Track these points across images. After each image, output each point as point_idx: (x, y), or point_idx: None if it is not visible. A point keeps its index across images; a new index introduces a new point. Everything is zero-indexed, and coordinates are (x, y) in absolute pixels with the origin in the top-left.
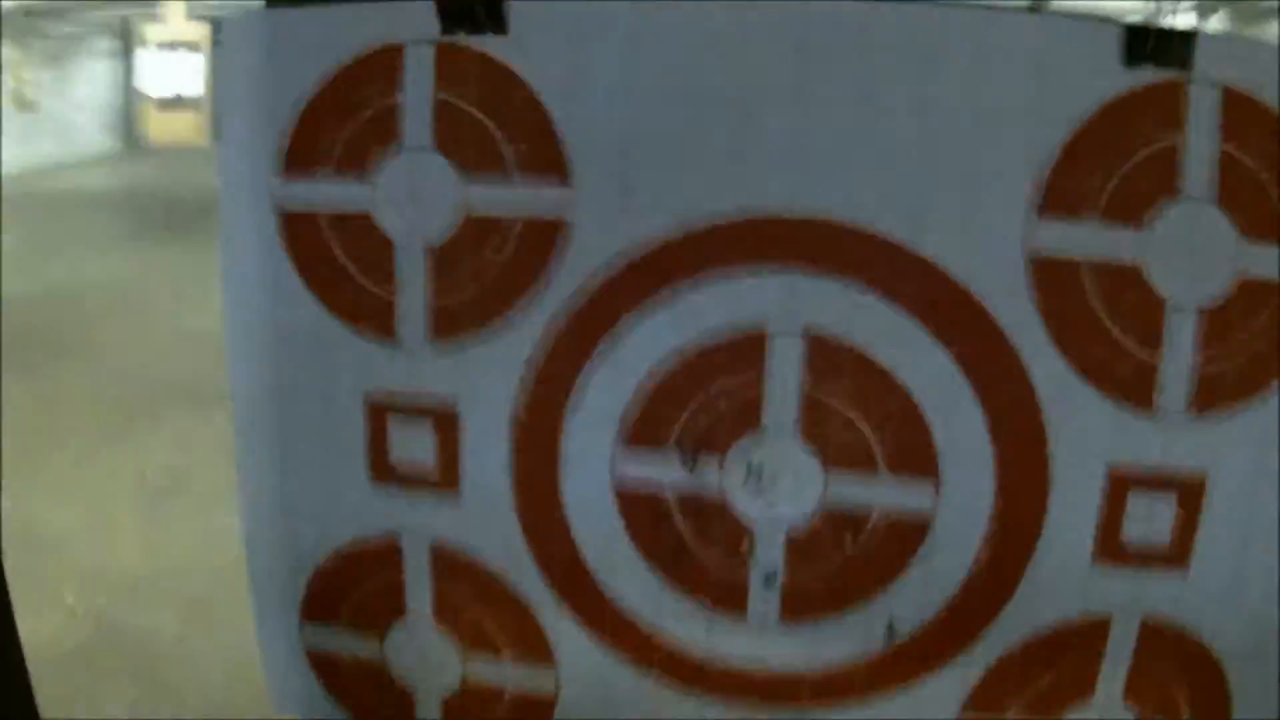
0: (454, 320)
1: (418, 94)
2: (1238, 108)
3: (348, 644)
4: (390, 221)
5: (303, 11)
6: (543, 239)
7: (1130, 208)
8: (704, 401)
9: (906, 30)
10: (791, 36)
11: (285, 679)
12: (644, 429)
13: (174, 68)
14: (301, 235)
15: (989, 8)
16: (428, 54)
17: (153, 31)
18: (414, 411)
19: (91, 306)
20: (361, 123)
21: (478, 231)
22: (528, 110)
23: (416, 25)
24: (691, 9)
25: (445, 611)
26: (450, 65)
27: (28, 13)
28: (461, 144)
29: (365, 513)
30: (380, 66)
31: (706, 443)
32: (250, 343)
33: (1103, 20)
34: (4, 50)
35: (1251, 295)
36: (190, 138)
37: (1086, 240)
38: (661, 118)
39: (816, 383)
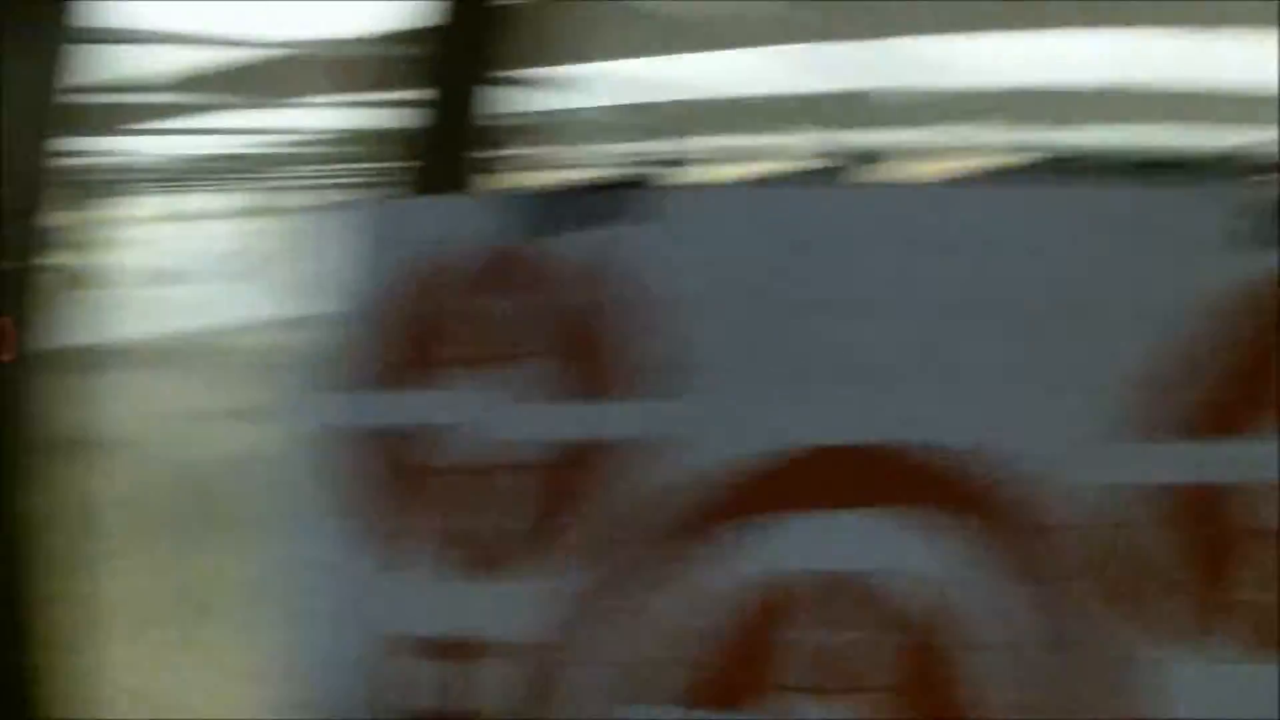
0: (493, 552)
1: (533, 297)
2: (520, 262)
3: None
4: (448, 439)
5: (414, 203)
6: (589, 465)
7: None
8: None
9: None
10: (898, 226)
11: None
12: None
13: None
14: (356, 449)
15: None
16: (494, 255)
17: None
18: (441, 649)
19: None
20: (430, 330)
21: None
22: (642, 316)
23: (490, 224)
24: (796, 201)
25: None
26: (515, 267)
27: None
28: (568, 352)
29: None
30: (459, 267)
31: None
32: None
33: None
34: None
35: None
36: None
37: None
38: (760, 333)
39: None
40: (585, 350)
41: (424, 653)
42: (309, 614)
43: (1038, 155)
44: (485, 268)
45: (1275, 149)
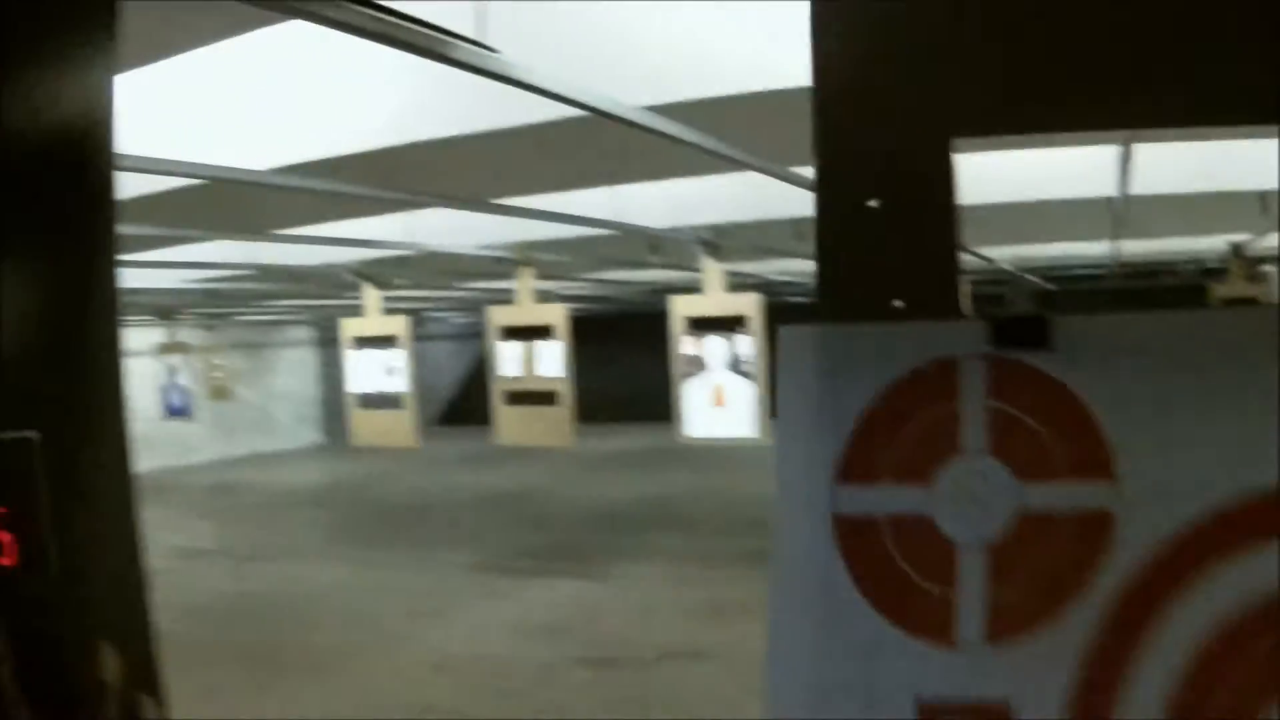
0: (1010, 618)
1: (973, 403)
2: (1004, 372)
3: None
4: (950, 523)
5: (860, 328)
6: (1092, 532)
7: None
8: (1244, 682)
9: None
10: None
11: None
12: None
13: (376, 363)
14: (858, 540)
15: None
16: (980, 367)
17: (350, 325)
18: (967, 714)
19: (314, 616)
20: (920, 431)
21: (1032, 529)
22: (1075, 417)
23: (969, 342)
24: (1207, 320)
25: None
26: (1002, 377)
27: (210, 294)
28: (1015, 447)
29: None
30: (936, 379)
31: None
32: (794, 644)
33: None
34: (196, 337)
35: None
36: (396, 438)
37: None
38: (1188, 419)
39: None
40: (1032, 441)
41: (949, 716)
42: (831, 688)
43: None
44: (931, 379)
45: None
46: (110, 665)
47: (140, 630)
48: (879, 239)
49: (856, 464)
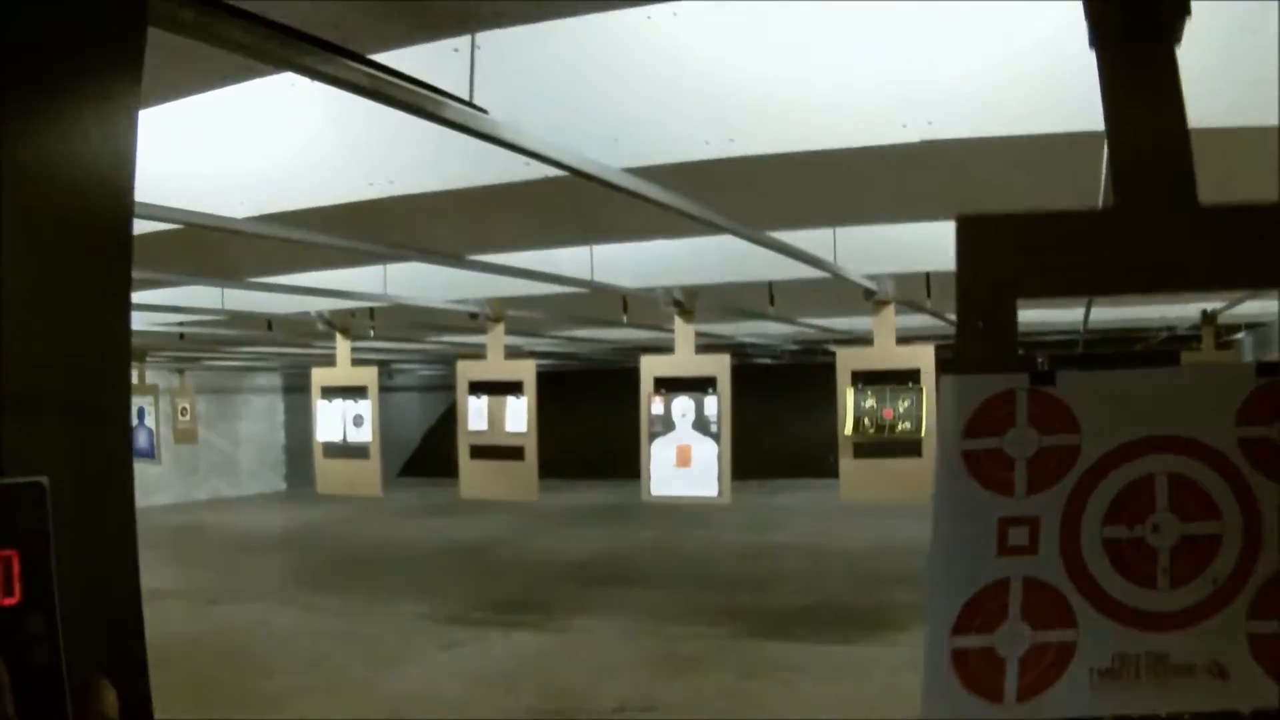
0: (1036, 484)
1: (1020, 407)
2: (1034, 394)
3: (975, 642)
4: (1010, 451)
5: (973, 376)
6: (1068, 453)
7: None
8: (1135, 506)
9: None
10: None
11: (935, 683)
12: (1114, 516)
13: (344, 413)
14: (973, 460)
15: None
16: (1024, 393)
17: (320, 374)
18: (1019, 522)
19: (273, 659)
20: (997, 418)
21: (1045, 453)
22: (1063, 409)
23: (1019, 381)
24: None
25: (1026, 612)
26: (1033, 396)
27: (180, 338)
28: (1037, 422)
29: (993, 570)
30: (1004, 397)
31: (1137, 519)
32: (944, 508)
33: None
34: (164, 380)
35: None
36: (360, 487)
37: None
38: (1120, 408)
39: (1174, 496)
40: (1049, 417)
41: (1011, 524)
42: (961, 520)
43: None
44: (1003, 396)
45: None
46: (108, 700)
47: (136, 667)
48: (983, 339)
49: (971, 431)
